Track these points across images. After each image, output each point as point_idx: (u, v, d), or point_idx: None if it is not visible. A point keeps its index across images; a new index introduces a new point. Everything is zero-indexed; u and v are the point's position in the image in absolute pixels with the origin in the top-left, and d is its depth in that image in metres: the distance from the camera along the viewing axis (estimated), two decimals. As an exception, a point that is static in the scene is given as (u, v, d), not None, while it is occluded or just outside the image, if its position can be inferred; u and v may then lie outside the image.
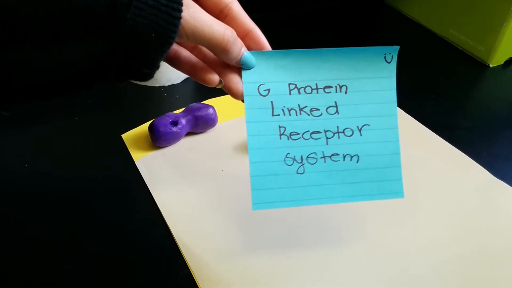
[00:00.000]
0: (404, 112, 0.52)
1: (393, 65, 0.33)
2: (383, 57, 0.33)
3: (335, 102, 0.33)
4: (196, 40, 0.28)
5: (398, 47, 0.33)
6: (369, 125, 0.33)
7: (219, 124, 0.47)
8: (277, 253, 0.36)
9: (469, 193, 0.42)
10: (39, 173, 0.42)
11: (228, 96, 0.51)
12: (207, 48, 0.30)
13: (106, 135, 0.46)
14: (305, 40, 0.66)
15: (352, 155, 0.33)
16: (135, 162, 0.43)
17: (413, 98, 0.55)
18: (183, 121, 0.44)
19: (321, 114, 0.33)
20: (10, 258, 0.35)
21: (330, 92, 0.33)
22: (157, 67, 0.27)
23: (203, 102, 0.48)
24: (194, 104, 0.46)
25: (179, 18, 0.26)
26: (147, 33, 0.25)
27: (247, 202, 0.40)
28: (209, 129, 0.47)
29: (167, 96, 0.52)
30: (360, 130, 0.33)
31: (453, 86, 0.59)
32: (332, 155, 0.33)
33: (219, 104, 0.49)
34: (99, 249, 0.36)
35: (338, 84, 0.33)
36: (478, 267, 0.36)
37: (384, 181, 0.33)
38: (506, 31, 0.59)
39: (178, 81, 0.54)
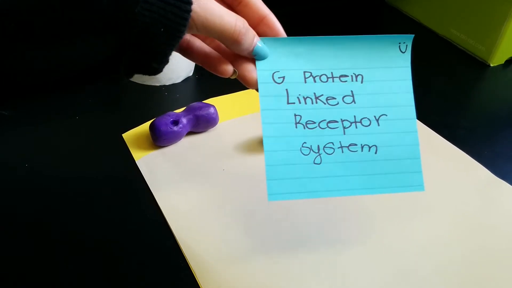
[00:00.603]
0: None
1: (408, 55, 0.33)
2: (398, 46, 0.32)
3: (351, 91, 0.32)
4: (207, 32, 0.28)
5: (413, 35, 0.32)
6: (386, 115, 0.32)
7: (220, 123, 0.47)
8: (279, 253, 0.36)
9: (470, 192, 0.42)
10: (39, 172, 0.42)
11: (229, 95, 0.52)
12: (218, 39, 0.29)
13: (107, 134, 0.46)
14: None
15: (370, 145, 0.32)
16: (136, 161, 0.43)
17: (413, 98, 0.55)
18: (184, 120, 0.44)
19: (338, 103, 0.32)
20: (10, 258, 0.35)
21: (346, 81, 0.32)
22: (167, 61, 0.27)
23: (204, 101, 0.48)
24: (195, 103, 0.46)
25: (189, 11, 0.26)
26: (155, 28, 0.25)
27: (248, 201, 0.40)
28: (210, 128, 0.47)
29: (168, 95, 0.52)
30: (377, 120, 0.32)
31: (454, 86, 0.59)
32: (350, 145, 0.32)
33: (220, 104, 0.49)
34: (100, 249, 0.36)
35: (353, 73, 0.32)
36: (479, 266, 0.36)
37: (404, 173, 0.33)
38: (506, 30, 0.59)
39: (179, 80, 0.54)
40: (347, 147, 0.32)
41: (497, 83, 0.60)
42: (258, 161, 0.44)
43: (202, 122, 0.45)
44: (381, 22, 0.75)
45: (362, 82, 0.32)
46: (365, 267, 0.35)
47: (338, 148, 0.32)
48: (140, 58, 0.26)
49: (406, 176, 0.33)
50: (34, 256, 0.35)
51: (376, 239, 0.37)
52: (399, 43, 0.32)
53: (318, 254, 0.36)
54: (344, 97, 0.32)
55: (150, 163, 0.43)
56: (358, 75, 0.32)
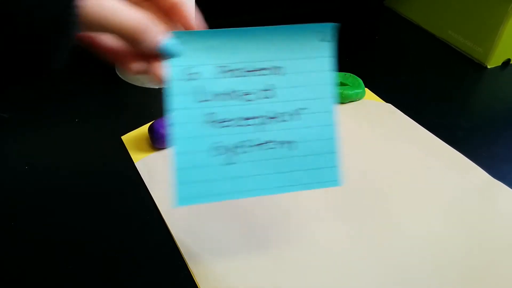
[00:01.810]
0: (403, 113, 0.52)
1: (330, 44, 0.31)
2: (319, 35, 0.31)
3: (270, 85, 0.30)
4: (104, 30, 0.26)
5: (334, 24, 0.30)
6: (305, 109, 0.31)
7: (218, 125, 0.47)
8: (277, 253, 0.36)
9: (468, 194, 0.42)
10: (39, 175, 0.42)
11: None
12: (119, 37, 0.27)
13: (106, 136, 0.46)
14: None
15: (288, 141, 0.31)
16: (135, 163, 0.43)
17: (411, 99, 0.55)
18: (182, 122, 0.44)
19: (255, 99, 0.30)
20: (10, 259, 0.35)
21: (265, 74, 0.30)
22: (64, 61, 0.25)
23: (202, 103, 0.48)
24: (194, 106, 0.46)
25: (77, 7, 0.24)
26: (43, 28, 0.23)
27: (247, 201, 0.40)
28: (209, 130, 0.47)
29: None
30: (296, 115, 0.31)
31: (452, 87, 0.59)
32: (267, 142, 0.30)
33: (218, 106, 0.49)
34: (99, 251, 0.36)
35: (273, 66, 0.30)
36: (477, 268, 0.36)
37: (320, 169, 0.31)
38: (503, 32, 0.59)
39: (178, 82, 0.54)
40: (264, 144, 0.31)
41: (494, 84, 0.61)
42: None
43: (201, 124, 0.46)
44: (379, 24, 0.75)
45: (282, 74, 0.31)
46: (364, 267, 0.35)
47: (255, 145, 0.30)
48: (28, 59, 0.24)
49: (323, 171, 0.31)
50: (34, 256, 0.35)
51: (374, 241, 0.37)
52: (320, 32, 0.30)
53: (317, 254, 0.36)
54: (262, 91, 0.30)
55: (149, 165, 0.43)
56: (278, 67, 0.30)
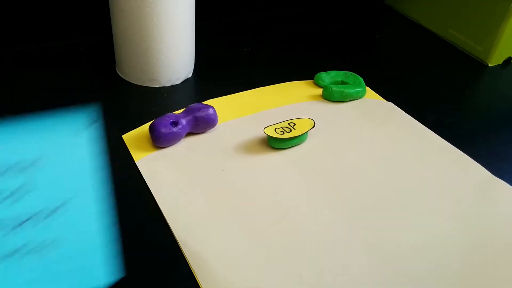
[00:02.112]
0: (403, 112, 0.52)
1: (86, 132, 0.28)
2: (79, 122, 0.28)
3: (25, 182, 0.26)
4: None
5: (98, 105, 0.28)
6: (67, 203, 0.27)
7: (219, 124, 0.48)
8: (278, 252, 0.36)
9: (468, 191, 0.42)
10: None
11: (228, 96, 0.52)
12: None
13: (107, 136, 0.46)
14: (304, 41, 0.66)
15: (47, 243, 0.26)
16: (135, 162, 0.43)
17: (412, 98, 0.55)
18: (183, 121, 0.45)
19: (6, 200, 0.26)
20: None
21: (16, 172, 0.26)
22: None
23: (203, 102, 0.49)
24: (194, 105, 0.46)
25: None
26: None
27: (247, 201, 0.40)
28: (210, 129, 0.47)
29: (167, 97, 0.52)
30: (54, 213, 0.27)
31: (452, 86, 0.59)
32: (14, 252, 0.25)
33: (219, 105, 0.49)
34: (100, 249, 0.36)
35: (28, 160, 0.27)
36: (476, 266, 0.36)
37: (87, 268, 0.27)
38: (504, 31, 0.59)
39: (178, 81, 0.54)
40: (17, 251, 0.25)
41: (495, 83, 0.61)
42: (257, 161, 0.44)
43: (201, 123, 0.46)
44: (380, 23, 0.75)
45: (39, 168, 0.27)
46: (363, 267, 0.35)
47: (4, 256, 0.25)
48: None
49: (90, 271, 0.27)
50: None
51: (373, 240, 0.37)
52: (80, 118, 0.28)
53: (318, 254, 0.36)
54: (11, 193, 0.26)
55: (149, 164, 0.43)
56: (34, 161, 0.27)
